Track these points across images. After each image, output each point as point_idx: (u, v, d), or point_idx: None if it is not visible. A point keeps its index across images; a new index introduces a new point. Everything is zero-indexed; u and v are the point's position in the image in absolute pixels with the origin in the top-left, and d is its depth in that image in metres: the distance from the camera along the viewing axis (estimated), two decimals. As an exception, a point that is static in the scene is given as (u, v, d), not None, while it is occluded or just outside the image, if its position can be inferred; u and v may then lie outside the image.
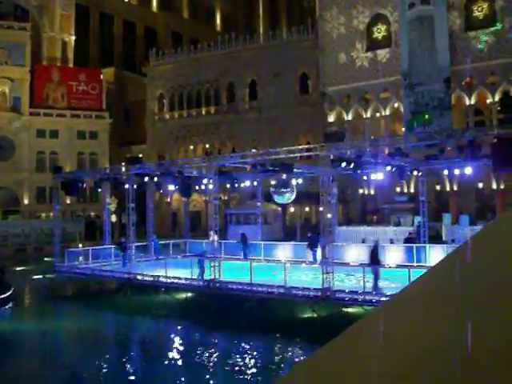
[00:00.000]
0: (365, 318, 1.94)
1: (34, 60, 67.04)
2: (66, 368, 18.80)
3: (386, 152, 27.77)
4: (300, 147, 30.95)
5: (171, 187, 33.60)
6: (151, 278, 27.74)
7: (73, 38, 71.86)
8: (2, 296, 27.68)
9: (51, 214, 46.44)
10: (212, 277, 24.96)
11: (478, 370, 1.45)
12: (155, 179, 31.96)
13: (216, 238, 34.24)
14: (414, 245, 29.00)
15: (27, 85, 65.66)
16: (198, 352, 19.45)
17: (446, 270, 2.64)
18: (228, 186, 35.63)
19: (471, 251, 2.88)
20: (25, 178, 64.14)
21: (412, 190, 47.00)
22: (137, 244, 32.04)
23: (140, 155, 53.73)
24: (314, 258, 29.13)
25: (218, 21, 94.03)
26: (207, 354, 19.21)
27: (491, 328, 1.71)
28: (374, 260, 22.01)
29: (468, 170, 28.17)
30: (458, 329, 1.71)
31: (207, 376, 16.95)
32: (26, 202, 64.16)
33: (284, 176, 31.23)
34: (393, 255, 28.81)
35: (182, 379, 16.88)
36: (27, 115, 65.28)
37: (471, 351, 1.54)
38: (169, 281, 26.80)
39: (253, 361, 18.28)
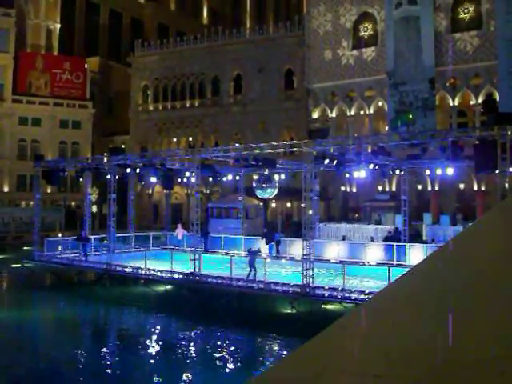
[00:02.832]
0: (345, 317, 1.93)
1: (18, 47, 66.30)
2: (41, 358, 18.68)
3: (369, 150, 27.87)
4: (283, 143, 31.01)
5: (153, 179, 33.50)
6: (130, 270, 27.64)
7: (58, 25, 71.18)
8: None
9: (31, 203, 46.08)
10: (192, 270, 24.91)
11: (458, 369, 1.44)
12: (137, 170, 31.80)
13: (182, 231, 34.47)
14: (395, 243, 29.14)
15: (10, 71, 64.97)
16: (176, 345, 19.41)
17: (427, 270, 2.63)
18: (210, 179, 35.56)
19: (452, 252, 2.87)
20: (5, 165, 63.49)
21: (394, 189, 47.25)
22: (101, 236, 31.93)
23: (122, 146, 53.46)
24: (270, 252, 29.80)
25: (205, 14, 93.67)
26: (185, 347, 19.18)
27: (472, 328, 1.71)
28: None
29: (450, 171, 28.38)
30: (437, 329, 1.70)
31: (184, 369, 16.92)
32: (5, 189, 63.55)
33: (267, 171, 31.29)
34: (373, 253, 28.97)
35: (159, 371, 16.83)
36: (9, 102, 64.61)
37: (451, 351, 1.53)
38: (148, 273, 26.70)
39: (231, 355, 18.28)
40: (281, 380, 1.51)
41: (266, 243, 30.55)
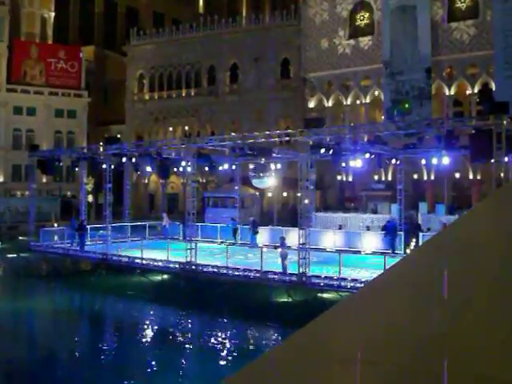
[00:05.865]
0: (337, 305, 1.93)
1: (12, 35, 65.86)
2: (37, 346, 18.70)
3: (365, 139, 27.86)
4: (279, 132, 30.96)
5: (149, 168, 33.47)
6: (126, 259, 27.65)
7: (52, 14, 70.66)
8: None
9: (26, 193, 45.99)
10: (188, 259, 24.94)
11: (453, 356, 1.44)
12: (133, 160, 31.73)
13: (168, 220, 34.58)
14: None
15: (4, 60, 64.56)
16: (172, 333, 19.46)
17: (420, 258, 2.64)
18: (206, 168, 35.52)
19: (446, 240, 2.88)
20: (0, 155, 63.29)
21: (390, 178, 47.28)
22: (114, 225, 31.93)
23: (118, 135, 53.31)
24: (254, 241, 29.86)
25: (201, 2, 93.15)
26: (181, 336, 19.22)
27: (465, 314, 1.71)
28: None
29: (446, 160, 28.40)
30: (430, 316, 1.70)
31: (180, 357, 16.97)
32: (0, 179, 63.35)
33: (263, 160, 31.28)
34: (369, 242, 29.03)
35: (155, 360, 16.88)
36: (4, 91, 64.28)
37: (444, 338, 1.53)
38: (144, 262, 26.72)
39: (226, 344, 18.33)
40: (275, 367, 1.51)
41: (253, 232, 30.95)
